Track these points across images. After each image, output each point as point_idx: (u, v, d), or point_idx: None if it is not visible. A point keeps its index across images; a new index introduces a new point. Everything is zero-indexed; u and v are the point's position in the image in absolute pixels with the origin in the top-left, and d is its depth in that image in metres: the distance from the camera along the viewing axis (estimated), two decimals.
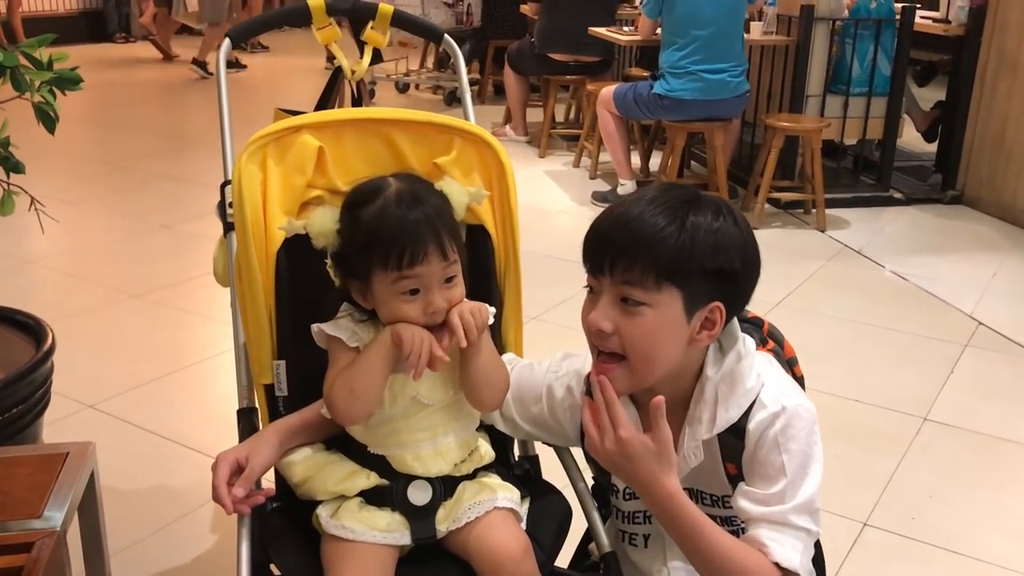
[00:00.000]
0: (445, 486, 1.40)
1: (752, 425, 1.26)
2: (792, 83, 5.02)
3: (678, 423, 1.32)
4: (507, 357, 1.55)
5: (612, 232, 1.23)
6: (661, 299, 1.20)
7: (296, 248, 1.48)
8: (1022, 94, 4.84)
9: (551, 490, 1.54)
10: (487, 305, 1.39)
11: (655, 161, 5.65)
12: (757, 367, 1.30)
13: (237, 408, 1.61)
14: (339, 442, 1.44)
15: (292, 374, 1.51)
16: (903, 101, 5.23)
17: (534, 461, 1.62)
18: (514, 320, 1.62)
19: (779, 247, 4.53)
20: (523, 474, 1.58)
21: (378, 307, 1.35)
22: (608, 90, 4.87)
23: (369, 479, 1.38)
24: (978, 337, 3.54)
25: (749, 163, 5.23)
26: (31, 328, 2.12)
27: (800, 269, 4.19)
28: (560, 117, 6.85)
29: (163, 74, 9.15)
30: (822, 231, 4.75)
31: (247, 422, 1.58)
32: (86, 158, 5.92)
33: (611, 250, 1.22)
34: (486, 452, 1.47)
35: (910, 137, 5.80)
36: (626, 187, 4.95)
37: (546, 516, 1.47)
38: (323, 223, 1.39)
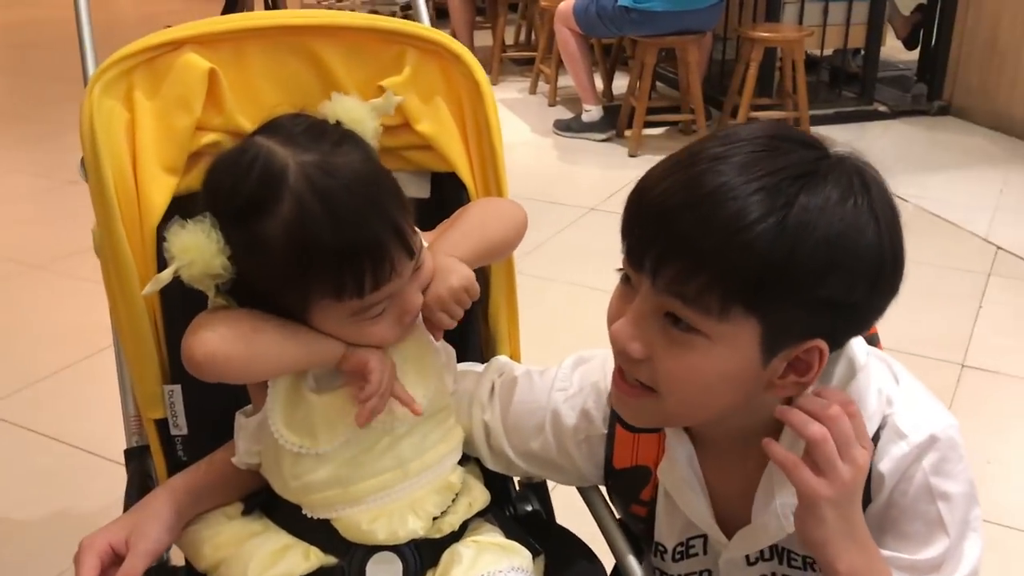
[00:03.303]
0: (422, 554, 0.97)
1: (887, 465, 0.86)
2: None
3: (754, 466, 0.91)
4: (500, 362, 1.11)
5: (665, 209, 0.78)
6: (726, 331, 0.78)
7: (187, 218, 1.00)
8: None
9: (574, 544, 1.10)
10: (467, 274, 0.97)
11: (618, 83, 5.16)
12: (876, 380, 0.88)
13: (124, 448, 1.16)
14: (263, 503, 0.99)
15: (194, 404, 1.05)
16: (886, 5, 4.79)
17: (541, 491, 1.18)
18: (506, 305, 1.17)
19: None
20: (530, 516, 1.14)
21: (327, 331, 0.92)
22: (567, 5, 4.35)
23: (308, 559, 0.94)
24: (1000, 264, 3.16)
25: (719, 81, 4.77)
26: None
27: None
28: (510, 39, 6.30)
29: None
30: None
31: (137, 468, 1.12)
32: None
33: (657, 243, 0.78)
34: (479, 495, 1.04)
35: (886, 45, 5.37)
36: (592, 113, 4.46)
37: None
38: (201, 257, 0.86)
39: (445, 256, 0.97)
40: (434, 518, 0.97)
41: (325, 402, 0.92)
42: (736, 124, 0.92)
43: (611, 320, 0.86)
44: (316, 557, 0.94)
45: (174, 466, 1.06)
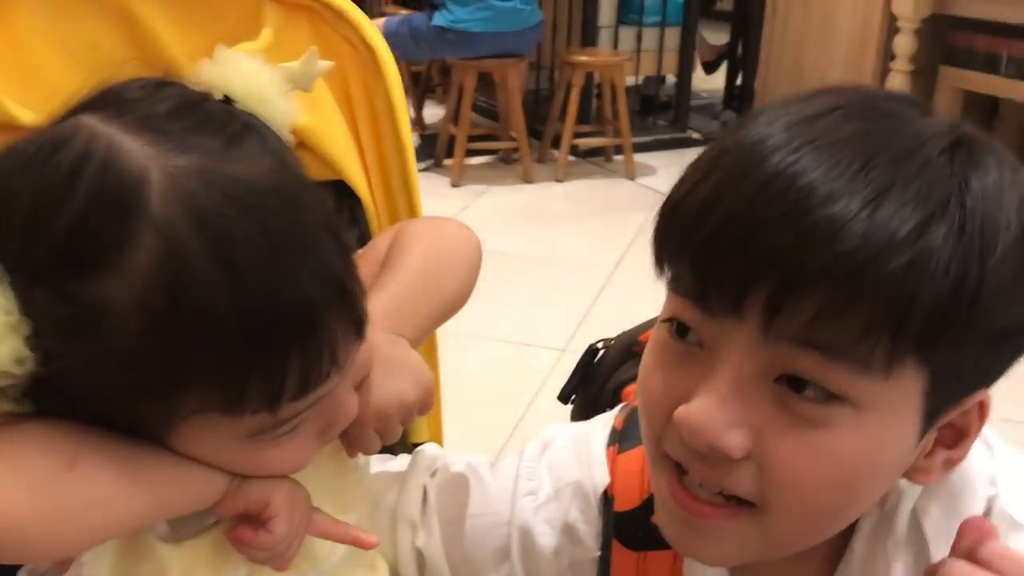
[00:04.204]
0: None
1: None
2: (583, 13, 4.42)
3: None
4: (428, 456, 0.76)
5: (764, 221, 0.49)
6: (883, 394, 0.50)
7: None
8: (819, 20, 4.50)
9: None
10: (425, 379, 0.64)
11: (429, 112, 4.89)
12: (977, 454, 0.62)
13: None
14: None
15: None
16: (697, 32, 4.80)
17: None
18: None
19: (593, 201, 3.96)
20: None
21: (200, 460, 0.54)
22: (378, 24, 4.03)
23: None
24: None
25: (534, 109, 4.59)
26: None
27: (624, 225, 3.61)
28: None
29: None
30: (631, 179, 4.21)
31: None
32: None
33: (772, 270, 0.49)
34: None
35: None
36: None
37: None
38: None
39: (390, 339, 0.63)
40: None
41: (187, 556, 0.55)
42: (769, 102, 0.64)
43: (657, 398, 0.55)
44: None
45: None
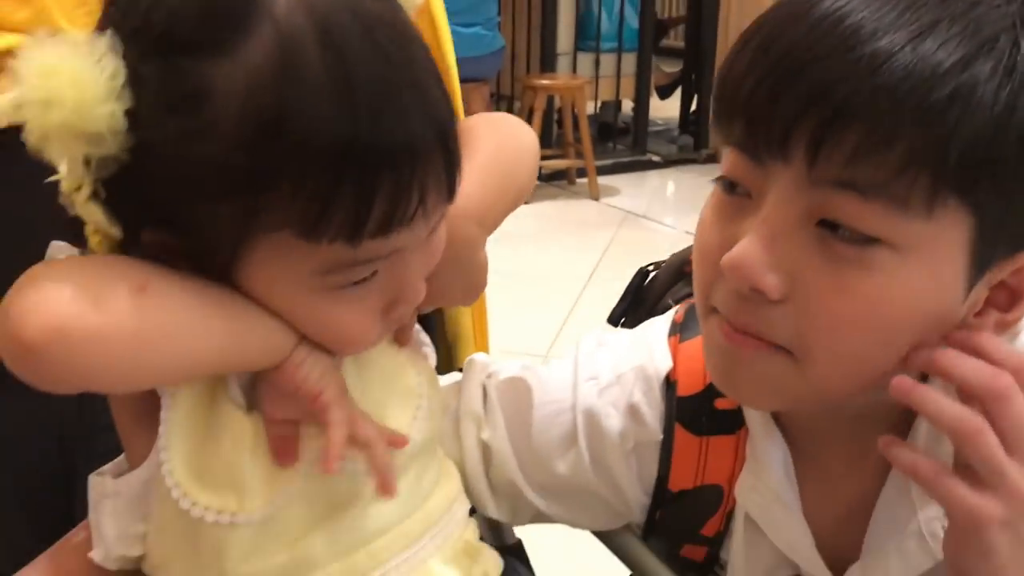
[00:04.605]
0: None
1: None
2: (541, 39, 4.49)
3: (869, 473, 0.64)
4: (480, 362, 0.76)
5: (813, 58, 0.51)
6: (926, 236, 0.52)
7: None
8: None
9: None
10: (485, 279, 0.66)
11: None
12: None
13: None
14: None
15: None
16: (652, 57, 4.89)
17: (521, 556, 0.83)
18: None
19: (561, 219, 4.00)
20: None
21: (266, 302, 0.53)
22: None
23: None
24: None
25: None
26: None
27: (594, 240, 3.67)
28: None
29: None
30: (596, 200, 4.26)
31: None
32: None
33: (819, 104, 0.51)
34: (491, 562, 0.68)
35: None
36: None
37: None
38: (76, 94, 0.45)
39: (474, 240, 0.62)
40: None
41: (259, 426, 0.54)
42: None
43: (709, 250, 0.57)
44: None
45: None
